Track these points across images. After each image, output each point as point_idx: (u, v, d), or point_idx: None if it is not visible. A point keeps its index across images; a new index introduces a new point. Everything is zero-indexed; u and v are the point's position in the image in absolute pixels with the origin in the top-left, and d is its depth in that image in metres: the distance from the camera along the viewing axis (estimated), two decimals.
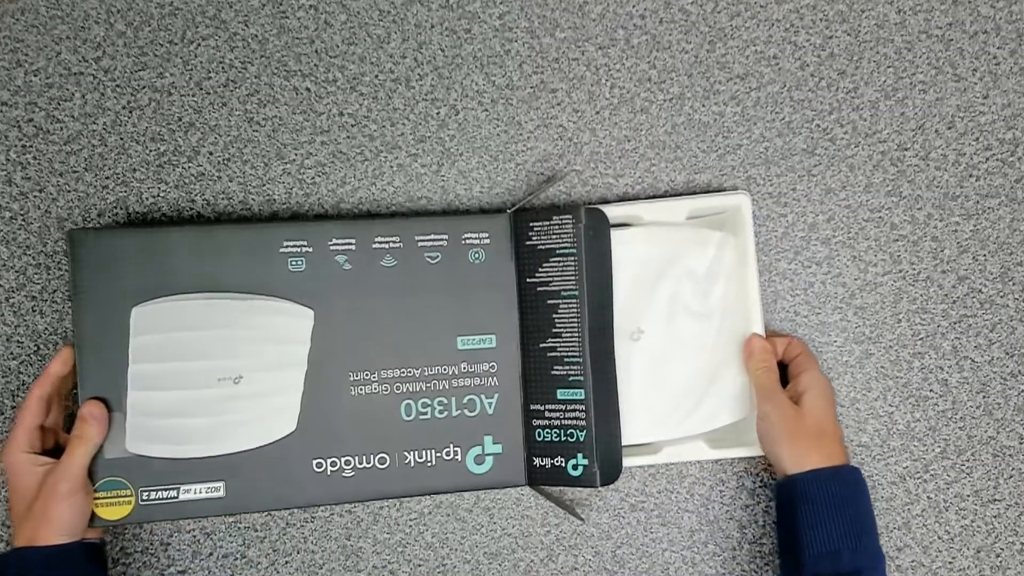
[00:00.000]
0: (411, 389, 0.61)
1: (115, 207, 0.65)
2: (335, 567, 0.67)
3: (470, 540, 0.67)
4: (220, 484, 0.59)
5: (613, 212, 0.64)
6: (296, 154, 0.65)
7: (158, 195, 0.65)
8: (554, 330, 0.62)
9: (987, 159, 0.67)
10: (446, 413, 0.62)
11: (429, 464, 0.61)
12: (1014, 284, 0.67)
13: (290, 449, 0.60)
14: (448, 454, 0.62)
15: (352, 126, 0.66)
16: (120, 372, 0.58)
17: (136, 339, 0.58)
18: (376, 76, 0.66)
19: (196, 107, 0.65)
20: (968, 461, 0.68)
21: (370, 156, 0.66)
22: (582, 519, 0.65)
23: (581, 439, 0.61)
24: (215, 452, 0.59)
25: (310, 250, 0.60)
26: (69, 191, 0.65)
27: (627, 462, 0.63)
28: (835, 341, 0.67)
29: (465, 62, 0.66)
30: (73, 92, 0.65)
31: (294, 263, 0.60)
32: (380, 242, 0.61)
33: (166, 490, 0.58)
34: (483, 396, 0.62)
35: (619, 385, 0.63)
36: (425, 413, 0.62)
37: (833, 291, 0.67)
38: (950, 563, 0.68)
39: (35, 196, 0.65)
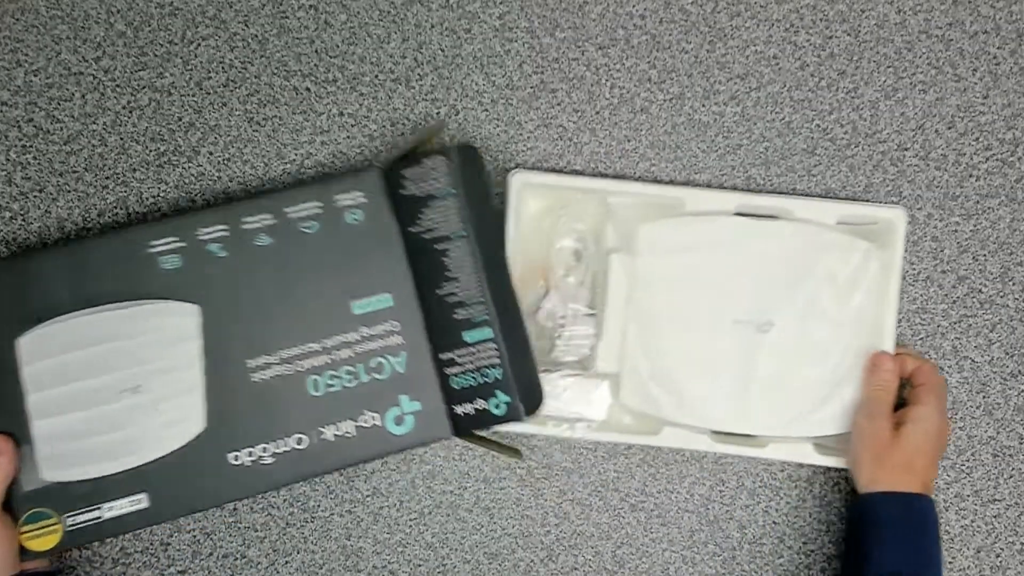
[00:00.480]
0: (314, 364, 0.60)
1: (115, 207, 0.65)
2: (335, 567, 0.67)
3: (470, 540, 0.67)
4: (142, 495, 0.58)
5: (764, 203, 0.64)
6: (296, 154, 0.65)
7: (158, 195, 0.65)
8: (448, 275, 0.60)
9: (987, 159, 0.67)
10: (355, 381, 0.60)
11: (349, 435, 0.60)
12: (1014, 284, 0.67)
13: (204, 448, 0.59)
14: (366, 421, 0.60)
15: (352, 126, 0.66)
16: (18, 405, 0.58)
17: (27, 368, 0.58)
18: (376, 76, 0.66)
19: (196, 107, 0.65)
20: (968, 461, 0.68)
21: (370, 156, 0.66)
22: (520, 454, 0.64)
23: (498, 377, 0.60)
24: (131, 465, 0.58)
25: (182, 244, 0.59)
26: (69, 191, 0.65)
27: (732, 450, 0.64)
28: None
29: (465, 62, 0.66)
30: (73, 92, 0.65)
31: (167, 261, 0.59)
32: (250, 222, 0.60)
33: (90, 511, 0.58)
34: (390, 356, 0.60)
35: (741, 373, 0.63)
36: (333, 385, 0.60)
37: None
38: (950, 563, 0.68)
39: (35, 196, 0.65)
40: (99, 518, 0.58)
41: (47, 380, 0.58)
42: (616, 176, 0.66)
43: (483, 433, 0.63)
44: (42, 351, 0.58)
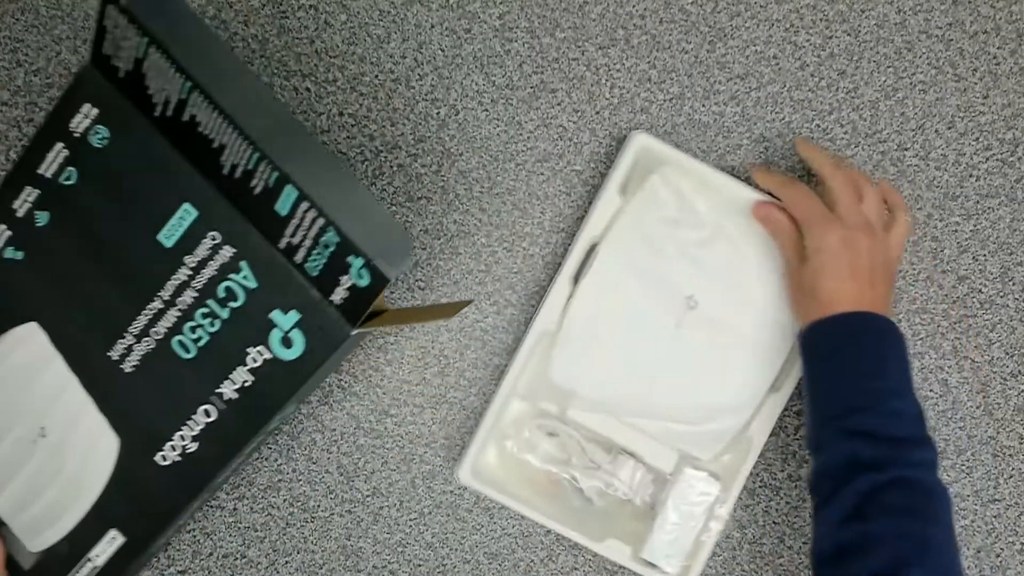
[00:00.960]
0: (167, 326, 0.53)
1: None
2: (335, 567, 0.67)
3: (470, 540, 0.67)
4: (113, 532, 0.56)
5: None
6: None
7: None
8: (214, 145, 0.49)
9: (987, 159, 0.67)
10: (217, 321, 0.52)
11: (248, 383, 0.53)
12: (1014, 284, 0.67)
13: (131, 462, 0.55)
14: (256, 359, 0.52)
15: (352, 126, 0.66)
16: None
17: None
18: (376, 76, 0.66)
19: None
20: (968, 461, 0.68)
21: (370, 156, 0.66)
22: (469, 301, 0.64)
23: (337, 240, 0.48)
24: (84, 509, 0.55)
25: None
26: None
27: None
28: None
29: (465, 62, 0.66)
30: None
31: None
32: (18, 206, 0.54)
33: (81, 567, 0.57)
34: (232, 275, 0.52)
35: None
36: (200, 338, 0.53)
37: None
38: None
39: None
40: (96, 568, 0.56)
41: None
42: None
43: (416, 305, 0.55)
44: None
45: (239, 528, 0.66)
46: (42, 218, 0.54)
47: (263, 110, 0.48)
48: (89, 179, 0.53)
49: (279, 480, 0.66)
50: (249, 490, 0.66)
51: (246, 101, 0.48)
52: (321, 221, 0.48)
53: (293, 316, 0.51)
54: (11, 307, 0.55)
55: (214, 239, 0.52)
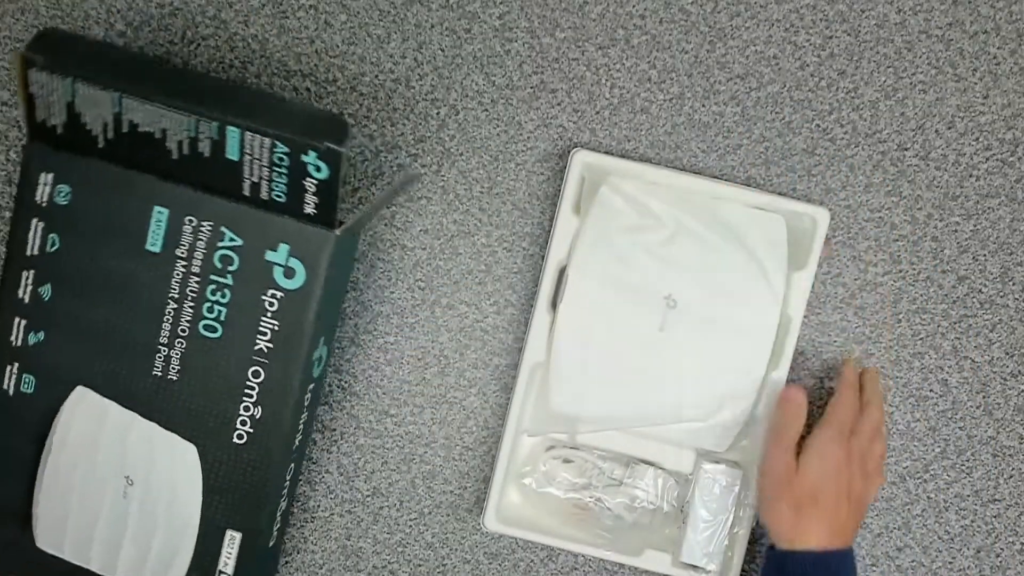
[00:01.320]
0: (188, 319, 0.56)
1: None
2: (335, 567, 0.67)
3: (470, 540, 0.67)
4: (229, 533, 0.58)
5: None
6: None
7: None
8: (160, 135, 0.54)
9: (987, 159, 0.67)
10: (227, 290, 0.56)
11: (276, 328, 0.56)
12: (1014, 284, 0.67)
13: (214, 457, 0.57)
14: (272, 303, 0.56)
15: (352, 126, 0.66)
16: None
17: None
18: (376, 76, 0.66)
19: None
20: (968, 461, 0.68)
21: (370, 156, 0.66)
22: (419, 174, 0.64)
23: (286, 150, 0.53)
24: (194, 532, 0.58)
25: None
26: None
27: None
28: (835, 341, 0.67)
29: (465, 62, 0.66)
30: None
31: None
32: (22, 293, 0.57)
33: None
34: (220, 243, 0.56)
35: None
36: (220, 313, 0.56)
37: (833, 291, 0.67)
38: (950, 563, 0.68)
39: None
40: None
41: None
42: None
43: (373, 199, 0.57)
44: None
45: None
46: (45, 292, 0.57)
47: (182, 82, 0.56)
48: (70, 236, 0.56)
49: None
50: None
51: (166, 81, 0.55)
52: (267, 141, 0.53)
53: (283, 248, 0.55)
54: (54, 384, 0.58)
55: (191, 222, 0.56)
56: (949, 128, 0.67)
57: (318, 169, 0.53)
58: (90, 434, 0.58)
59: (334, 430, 0.66)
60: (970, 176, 0.67)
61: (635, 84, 0.66)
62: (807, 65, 0.66)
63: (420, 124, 0.66)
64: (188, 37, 0.65)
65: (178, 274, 0.56)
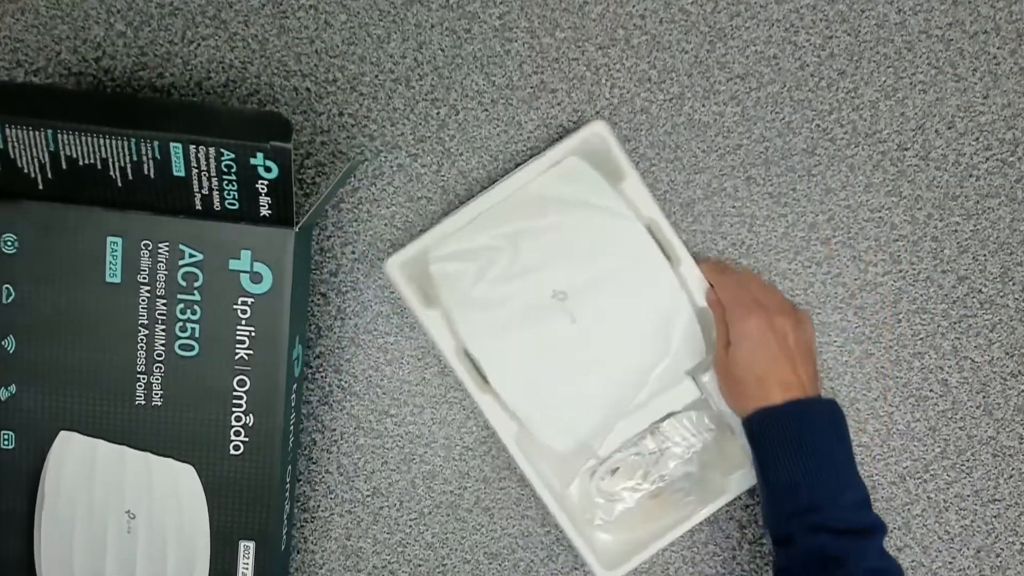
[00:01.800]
0: (163, 342, 0.56)
1: None
2: (335, 567, 0.67)
3: (470, 540, 0.67)
4: (242, 544, 0.58)
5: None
6: (296, 154, 0.65)
7: None
8: (101, 165, 0.54)
9: (987, 159, 0.67)
10: (196, 306, 0.56)
11: (252, 334, 0.56)
12: (1014, 284, 0.67)
13: (213, 473, 0.57)
14: (244, 310, 0.56)
15: (352, 126, 0.66)
16: None
17: None
18: (376, 76, 0.66)
19: None
20: (968, 461, 0.68)
21: (370, 156, 0.66)
22: (361, 159, 0.63)
23: (232, 155, 0.53)
24: (207, 552, 0.58)
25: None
26: None
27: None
28: (835, 341, 0.67)
29: (465, 62, 0.66)
30: None
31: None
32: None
33: None
34: (181, 261, 0.55)
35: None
36: (194, 331, 0.56)
37: (833, 291, 0.67)
38: (950, 563, 0.68)
39: None
40: None
41: None
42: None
43: (323, 191, 0.57)
44: None
45: None
46: (9, 344, 0.56)
47: (115, 108, 0.55)
48: (24, 284, 0.56)
49: None
50: None
51: (98, 109, 0.54)
52: (212, 151, 0.52)
53: (246, 255, 0.55)
54: (34, 435, 0.57)
55: (147, 247, 0.55)
56: (949, 128, 0.67)
57: (268, 169, 0.53)
58: (83, 476, 0.57)
59: (334, 430, 0.66)
60: (970, 176, 0.67)
61: (635, 84, 0.66)
62: (807, 65, 0.66)
63: (420, 124, 0.66)
64: (188, 37, 0.65)
65: (143, 300, 0.56)
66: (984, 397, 0.68)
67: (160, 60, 0.65)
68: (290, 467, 0.60)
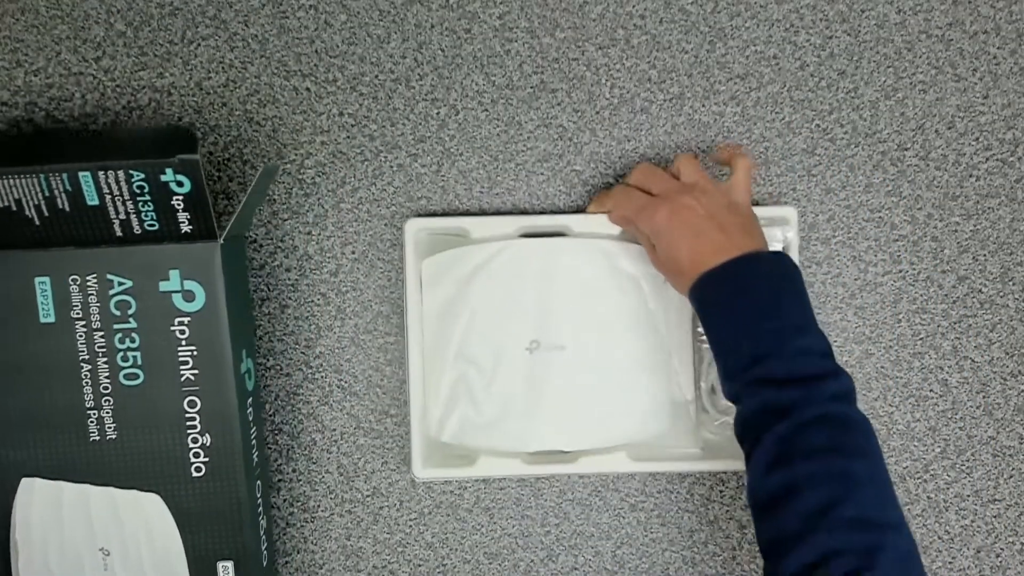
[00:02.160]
0: (107, 374, 0.56)
1: None
2: (335, 567, 0.67)
3: (470, 540, 0.67)
4: (219, 565, 0.58)
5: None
6: (296, 154, 0.65)
7: None
8: (16, 206, 0.54)
9: (987, 159, 0.67)
10: (135, 333, 0.55)
11: (195, 352, 0.56)
12: (1014, 284, 0.67)
13: (179, 499, 0.57)
14: (183, 329, 0.55)
15: (352, 126, 0.66)
16: None
17: None
18: (376, 76, 0.66)
19: (196, 107, 0.65)
20: (968, 461, 0.68)
21: (370, 156, 0.66)
22: (276, 165, 0.63)
23: (142, 175, 0.53)
24: None
25: None
26: None
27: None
28: (835, 341, 0.67)
29: (465, 62, 0.66)
30: (73, 92, 0.65)
31: None
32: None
33: None
34: (111, 291, 0.55)
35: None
36: (136, 358, 0.56)
37: (833, 291, 0.67)
38: (950, 563, 0.68)
39: None
40: None
41: None
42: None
43: (244, 200, 0.57)
44: None
45: None
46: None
47: (16, 147, 0.55)
48: None
49: (279, 480, 0.66)
50: None
51: (2, 149, 0.55)
52: (122, 174, 0.52)
53: (175, 274, 0.55)
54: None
55: (75, 281, 0.55)
56: (949, 128, 0.67)
57: (180, 184, 0.53)
58: (51, 521, 0.57)
59: (334, 430, 0.66)
60: (970, 176, 0.67)
61: (635, 84, 0.66)
62: (807, 65, 0.66)
63: (420, 124, 0.66)
64: (188, 37, 0.65)
65: (81, 336, 0.56)
66: (984, 397, 0.68)
67: (160, 60, 0.65)
68: (259, 482, 0.60)
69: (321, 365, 0.66)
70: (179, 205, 0.54)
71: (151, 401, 0.56)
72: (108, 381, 0.56)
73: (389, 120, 0.66)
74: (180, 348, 0.56)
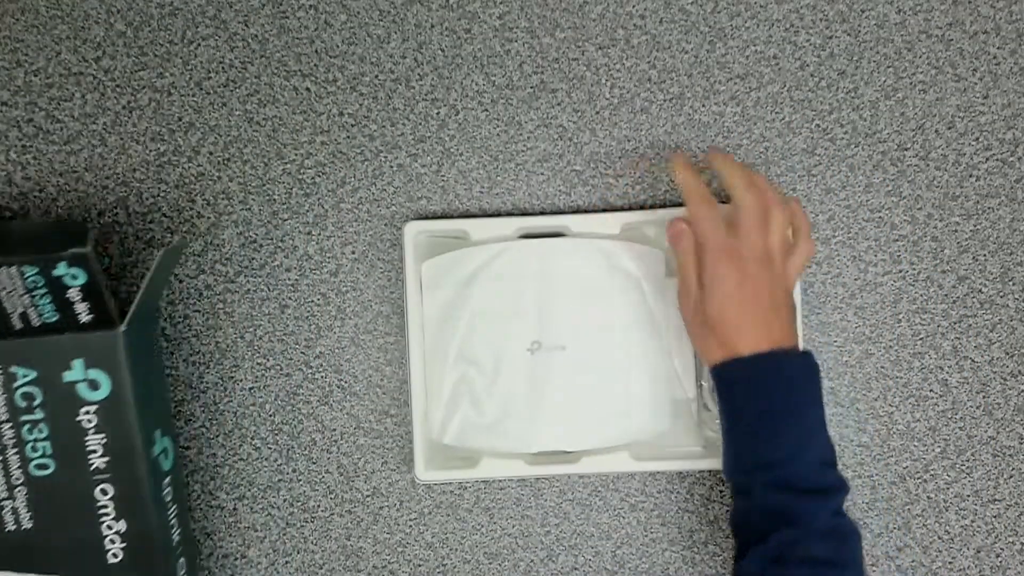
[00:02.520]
0: (18, 466, 0.56)
1: (115, 207, 0.65)
2: (335, 567, 0.67)
3: (470, 540, 0.67)
4: None
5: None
6: (296, 154, 0.65)
7: (158, 195, 0.65)
8: None
9: (987, 159, 0.67)
10: (42, 424, 0.56)
11: (104, 440, 0.56)
12: (1014, 284, 0.67)
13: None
14: (91, 419, 0.55)
15: (352, 126, 0.66)
16: None
17: None
18: (376, 76, 0.66)
19: (196, 107, 0.65)
20: (968, 461, 0.68)
21: (370, 156, 0.66)
22: (184, 240, 0.63)
23: (35, 269, 0.53)
24: None
25: None
26: (69, 191, 0.65)
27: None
28: (835, 341, 0.67)
29: (465, 62, 0.66)
30: (73, 92, 0.65)
31: None
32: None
33: None
34: (15, 384, 0.55)
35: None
36: (45, 448, 0.56)
37: (833, 291, 0.67)
38: (950, 563, 0.68)
39: (35, 196, 0.65)
40: None
41: None
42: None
43: (146, 281, 0.57)
44: None
45: (239, 528, 0.66)
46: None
47: None
48: None
49: (279, 480, 0.66)
50: (249, 490, 0.66)
51: None
52: (14, 270, 0.53)
53: (78, 364, 0.55)
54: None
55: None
56: (949, 128, 0.67)
57: (74, 277, 0.53)
58: None
59: (334, 430, 0.66)
60: (970, 176, 0.67)
61: (635, 84, 0.66)
62: (807, 65, 0.66)
63: (420, 124, 0.66)
64: (188, 37, 0.65)
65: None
66: (984, 397, 0.67)
67: (160, 60, 0.65)
68: (182, 559, 0.60)
69: (321, 365, 0.66)
70: (76, 296, 0.54)
71: (63, 490, 0.56)
72: (19, 471, 0.56)
73: (389, 120, 0.66)
74: (88, 437, 0.56)
